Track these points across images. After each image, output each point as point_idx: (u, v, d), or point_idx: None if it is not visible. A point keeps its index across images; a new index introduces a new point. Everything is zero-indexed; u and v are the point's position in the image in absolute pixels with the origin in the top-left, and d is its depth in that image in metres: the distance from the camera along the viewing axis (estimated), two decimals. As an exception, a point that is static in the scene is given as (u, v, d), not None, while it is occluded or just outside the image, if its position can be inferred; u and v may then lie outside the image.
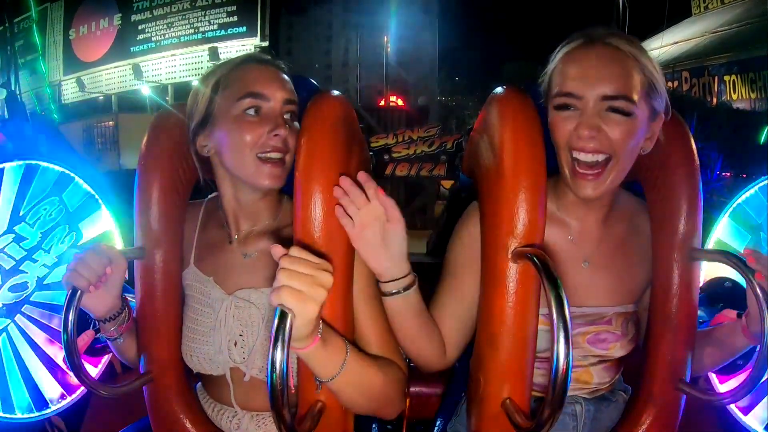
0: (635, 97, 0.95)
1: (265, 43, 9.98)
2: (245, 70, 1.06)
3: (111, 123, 10.62)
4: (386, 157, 2.60)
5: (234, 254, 1.10)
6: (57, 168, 1.66)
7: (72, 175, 1.65)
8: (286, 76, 1.07)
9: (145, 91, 11.53)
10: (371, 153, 2.33)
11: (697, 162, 1.07)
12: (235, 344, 1.06)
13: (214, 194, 1.18)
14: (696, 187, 1.06)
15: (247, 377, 1.06)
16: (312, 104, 1.00)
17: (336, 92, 1.05)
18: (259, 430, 1.08)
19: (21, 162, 1.66)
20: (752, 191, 1.51)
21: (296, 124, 1.05)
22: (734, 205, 1.52)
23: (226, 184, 1.10)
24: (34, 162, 1.65)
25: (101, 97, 12.32)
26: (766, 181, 1.50)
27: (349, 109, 1.02)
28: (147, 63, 11.25)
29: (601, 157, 0.97)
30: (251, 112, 1.02)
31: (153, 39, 11.15)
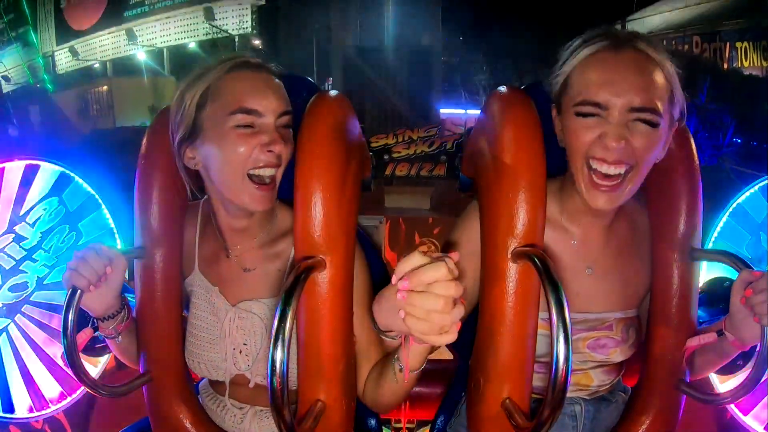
0: (661, 108, 0.92)
1: (262, 1, 9.83)
2: (235, 80, 0.99)
3: (104, 88, 10.48)
4: (386, 157, 2.60)
5: (234, 267, 1.11)
6: (57, 168, 1.66)
7: (72, 175, 1.66)
8: (279, 81, 1.03)
9: (141, 56, 11.37)
10: (371, 153, 2.33)
11: (697, 162, 1.07)
12: (240, 352, 1.08)
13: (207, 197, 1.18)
14: (696, 187, 1.05)
15: (252, 384, 1.08)
16: (312, 105, 1.00)
17: (336, 92, 1.04)
18: (262, 424, 1.09)
19: (21, 162, 1.66)
20: (752, 191, 1.51)
21: (290, 131, 1.03)
22: (734, 205, 1.52)
23: (216, 199, 1.08)
24: (34, 162, 1.65)
25: (97, 65, 12.17)
26: (766, 181, 1.51)
27: (349, 110, 1.02)
28: (141, 27, 11.09)
29: (623, 169, 0.93)
30: (243, 128, 0.98)
31: (146, 2, 10.95)
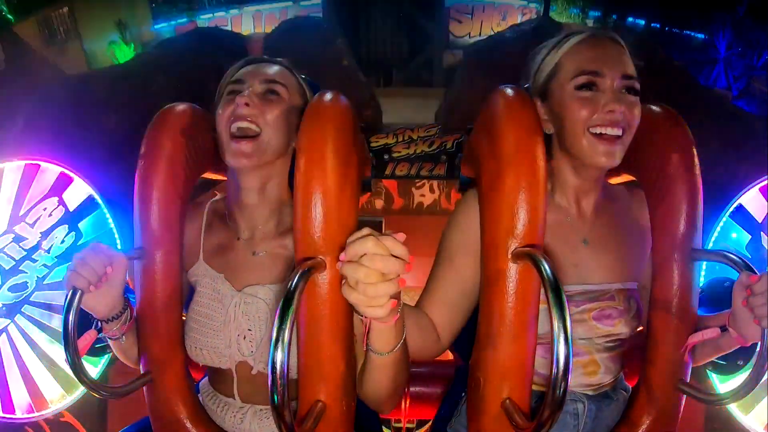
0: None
1: None
2: (236, 68, 1.15)
3: (65, 10, 9.55)
4: (386, 156, 2.60)
5: (242, 251, 1.12)
6: (57, 168, 1.66)
7: (72, 175, 1.66)
8: (277, 66, 1.14)
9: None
10: (371, 153, 2.33)
11: (697, 162, 1.07)
12: (244, 338, 1.08)
13: (219, 196, 1.21)
14: (696, 187, 1.06)
15: (255, 371, 1.08)
16: (312, 105, 1.00)
17: (336, 93, 1.05)
18: (262, 424, 1.10)
19: (21, 162, 1.66)
20: (752, 191, 1.52)
21: (275, 96, 1.09)
22: (734, 205, 1.53)
23: (229, 178, 1.14)
24: (33, 161, 1.66)
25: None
26: (766, 181, 1.51)
27: (348, 109, 1.02)
28: None
29: (620, 131, 1.03)
30: (230, 94, 1.10)
31: None
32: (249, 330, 1.08)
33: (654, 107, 1.10)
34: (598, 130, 1.03)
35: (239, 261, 1.12)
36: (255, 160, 1.06)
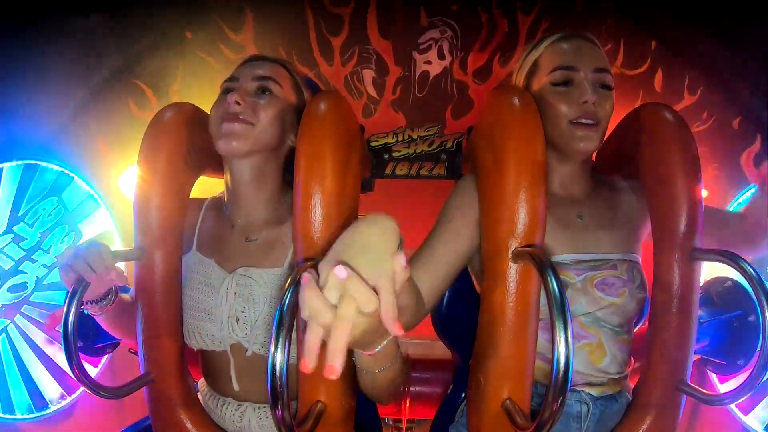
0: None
1: None
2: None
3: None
4: (386, 156, 2.59)
5: (235, 238, 1.12)
6: (56, 168, 1.66)
7: (71, 175, 1.66)
8: (271, 63, 1.14)
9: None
10: (371, 153, 2.33)
11: (698, 162, 1.07)
12: (237, 321, 1.07)
13: (218, 193, 1.21)
14: (696, 186, 1.06)
15: (249, 352, 1.07)
16: (311, 104, 1.00)
17: (335, 92, 1.05)
18: (262, 423, 1.09)
19: (20, 162, 1.66)
20: (752, 191, 1.52)
21: (265, 94, 1.10)
22: (734, 205, 1.52)
23: (225, 173, 1.15)
24: (33, 162, 1.66)
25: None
26: (766, 181, 1.50)
27: (348, 109, 1.02)
28: None
29: (595, 121, 1.08)
30: (225, 92, 1.11)
31: None
32: (242, 312, 1.07)
33: (654, 106, 1.10)
34: (575, 120, 1.08)
35: (232, 247, 1.11)
36: (245, 143, 1.05)
